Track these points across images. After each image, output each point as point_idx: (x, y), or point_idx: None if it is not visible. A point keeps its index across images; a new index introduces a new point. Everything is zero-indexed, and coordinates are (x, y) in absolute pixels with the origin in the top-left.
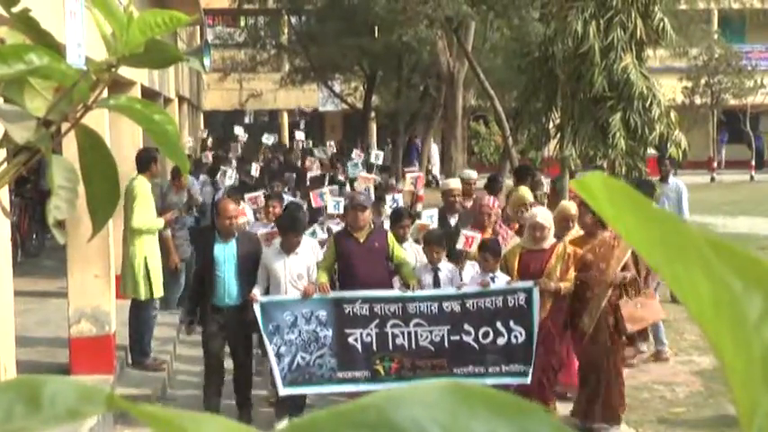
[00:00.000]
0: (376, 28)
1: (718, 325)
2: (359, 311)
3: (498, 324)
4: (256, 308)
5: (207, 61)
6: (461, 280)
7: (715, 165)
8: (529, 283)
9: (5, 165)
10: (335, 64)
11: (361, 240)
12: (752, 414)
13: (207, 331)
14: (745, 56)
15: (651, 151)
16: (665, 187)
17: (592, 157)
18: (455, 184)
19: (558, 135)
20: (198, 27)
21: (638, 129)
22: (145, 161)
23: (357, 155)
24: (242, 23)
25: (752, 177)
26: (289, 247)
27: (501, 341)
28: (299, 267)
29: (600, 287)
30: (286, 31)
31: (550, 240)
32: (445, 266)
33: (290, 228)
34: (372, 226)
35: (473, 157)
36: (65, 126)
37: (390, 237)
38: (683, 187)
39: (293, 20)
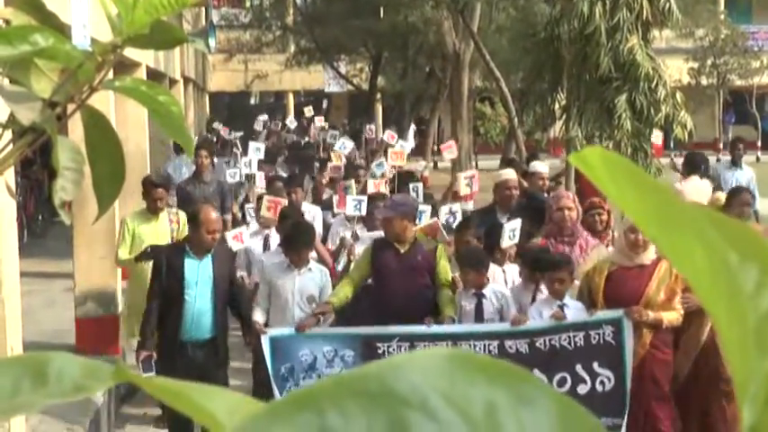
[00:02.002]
0: (381, 9)
1: (714, 295)
2: (395, 352)
3: (578, 368)
4: (265, 343)
5: (212, 42)
6: (515, 308)
7: (721, 145)
8: (616, 313)
9: (11, 146)
10: (341, 45)
11: (402, 252)
12: (746, 382)
13: (169, 376)
14: (752, 36)
15: (657, 132)
16: (738, 172)
17: (597, 138)
18: (510, 174)
19: (564, 116)
20: (203, 8)
21: (643, 110)
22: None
23: (389, 137)
24: (247, 4)
25: (758, 158)
26: (300, 262)
27: (583, 389)
28: (311, 287)
29: (699, 318)
30: (291, 11)
31: (651, 254)
32: (492, 291)
33: (302, 240)
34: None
35: (479, 138)
36: (70, 107)
37: (441, 250)
38: (752, 172)
39: (298, 0)
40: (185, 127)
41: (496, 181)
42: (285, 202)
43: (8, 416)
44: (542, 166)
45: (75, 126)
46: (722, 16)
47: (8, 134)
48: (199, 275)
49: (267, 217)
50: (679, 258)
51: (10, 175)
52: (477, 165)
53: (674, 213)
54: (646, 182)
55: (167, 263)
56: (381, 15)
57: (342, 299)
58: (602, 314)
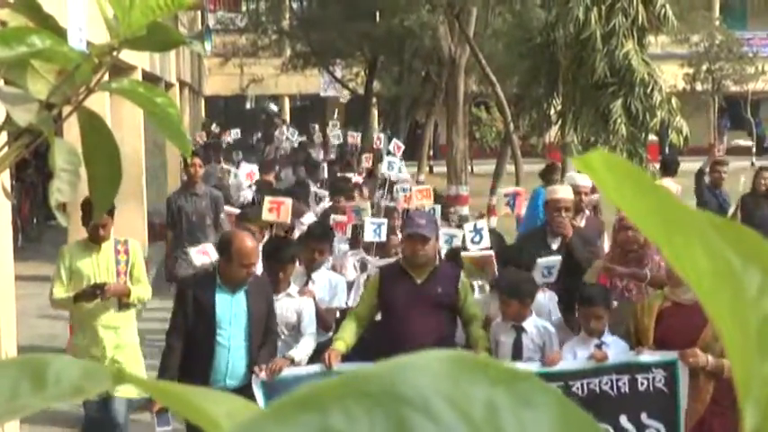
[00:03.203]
0: (377, 13)
1: (716, 298)
2: None
3: (623, 419)
4: (256, 387)
5: (208, 46)
6: (559, 344)
7: (716, 152)
8: (669, 355)
9: (7, 148)
10: (337, 49)
11: (418, 282)
12: (748, 384)
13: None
14: (747, 42)
15: (652, 137)
16: None
17: (593, 143)
18: (564, 192)
19: (560, 121)
20: (199, 12)
21: (639, 115)
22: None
23: (395, 148)
24: (243, 8)
25: (752, 164)
26: (279, 284)
27: None
28: (289, 313)
29: None
30: (287, 15)
31: None
32: (534, 325)
33: (276, 256)
34: (437, 262)
35: (474, 142)
36: (67, 109)
37: (464, 280)
38: None
39: (294, 4)
40: (183, 129)
41: (546, 198)
42: (290, 202)
43: (7, 419)
44: (582, 179)
45: (71, 128)
46: (717, 22)
47: (4, 136)
48: (232, 312)
49: (269, 220)
50: (682, 262)
51: (6, 177)
52: (472, 169)
53: (676, 217)
54: (649, 185)
55: (194, 297)
56: (377, 19)
57: (349, 341)
58: (652, 356)
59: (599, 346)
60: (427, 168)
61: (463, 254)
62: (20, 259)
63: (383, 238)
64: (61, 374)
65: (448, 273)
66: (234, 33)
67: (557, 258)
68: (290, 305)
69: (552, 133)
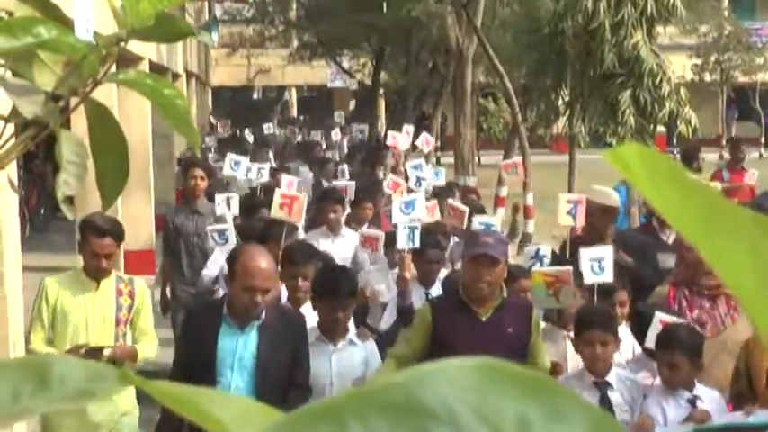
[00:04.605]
0: (384, 3)
1: (762, 305)
2: None
3: None
4: None
5: (215, 36)
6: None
7: (724, 142)
8: None
9: (14, 139)
10: (344, 40)
11: (483, 319)
12: None
13: None
14: (755, 33)
15: (660, 128)
16: None
17: (601, 134)
18: (601, 195)
19: (568, 112)
20: (206, 2)
21: (647, 106)
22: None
23: (424, 143)
24: None
25: (761, 155)
26: (335, 329)
27: None
28: (356, 366)
29: None
30: (294, 6)
31: None
32: (618, 378)
33: (331, 289)
34: (504, 294)
35: (481, 133)
36: (74, 101)
37: (536, 317)
38: None
39: None
40: (191, 120)
41: (587, 199)
42: (304, 198)
43: (8, 422)
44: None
45: (78, 120)
46: (726, 12)
47: (11, 127)
48: (237, 355)
49: (281, 218)
50: (723, 263)
51: (13, 168)
52: (479, 160)
53: (720, 217)
54: (688, 182)
55: (196, 329)
56: (384, 10)
57: None
58: (766, 417)
59: (692, 401)
60: (434, 159)
61: (536, 269)
62: (27, 250)
63: (416, 245)
64: (65, 376)
65: (518, 307)
66: (241, 24)
67: (607, 249)
68: (355, 355)
69: (560, 124)
